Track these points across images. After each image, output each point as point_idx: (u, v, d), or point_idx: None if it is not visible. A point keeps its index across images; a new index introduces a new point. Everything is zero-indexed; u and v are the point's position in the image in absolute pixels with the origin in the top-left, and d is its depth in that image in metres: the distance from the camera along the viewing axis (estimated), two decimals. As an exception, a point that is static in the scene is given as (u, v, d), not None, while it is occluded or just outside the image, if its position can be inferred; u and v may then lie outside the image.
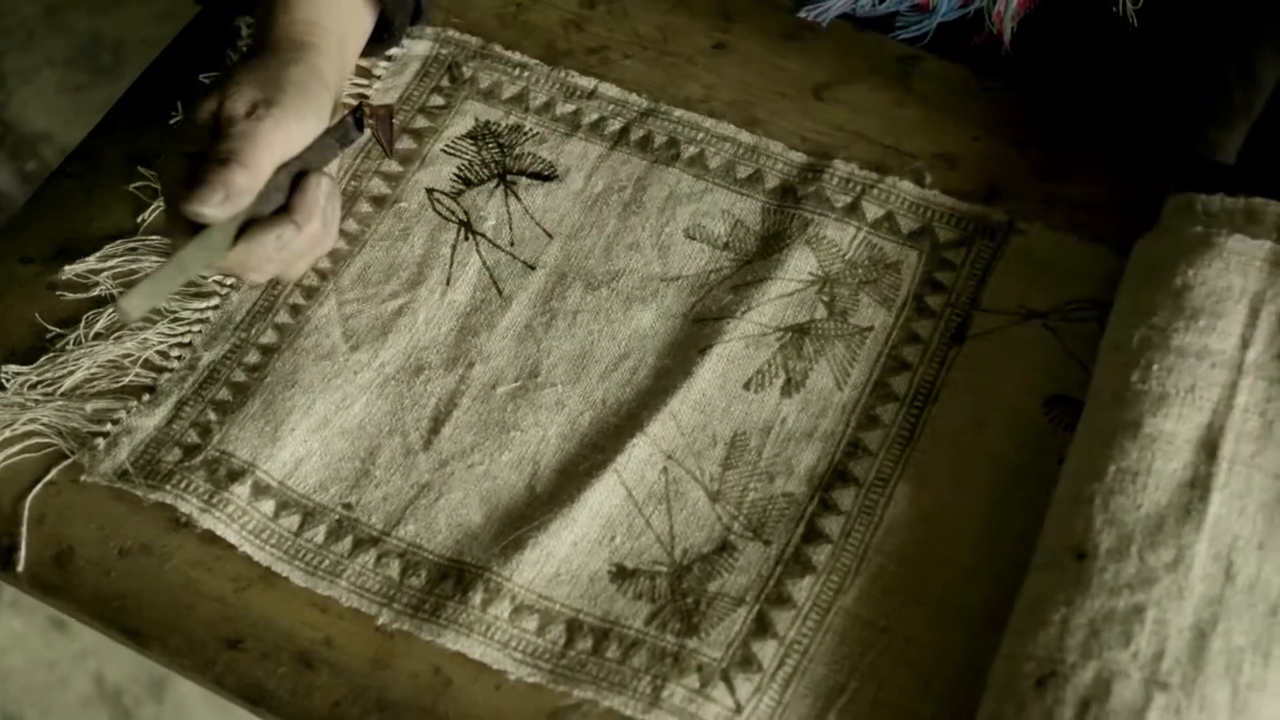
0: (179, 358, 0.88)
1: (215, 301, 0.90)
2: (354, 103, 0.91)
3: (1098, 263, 0.91)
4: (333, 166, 0.88)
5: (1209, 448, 0.77)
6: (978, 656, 0.77)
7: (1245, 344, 0.81)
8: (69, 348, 0.87)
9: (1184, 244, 0.85)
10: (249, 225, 0.81)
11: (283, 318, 0.89)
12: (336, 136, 0.86)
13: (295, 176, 0.84)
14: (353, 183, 0.94)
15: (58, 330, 0.89)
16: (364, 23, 0.92)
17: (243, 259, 0.82)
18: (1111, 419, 0.79)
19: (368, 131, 0.90)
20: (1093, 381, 0.84)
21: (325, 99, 0.86)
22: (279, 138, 0.82)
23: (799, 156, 0.95)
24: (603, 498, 0.82)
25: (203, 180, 0.79)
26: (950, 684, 0.77)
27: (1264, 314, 0.82)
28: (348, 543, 0.82)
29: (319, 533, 0.82)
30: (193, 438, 0.85)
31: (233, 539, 0.81)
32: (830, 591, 0.80)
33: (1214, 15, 0.91)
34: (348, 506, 0.83)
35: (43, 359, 0.87)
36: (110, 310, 0.88)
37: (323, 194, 0.84)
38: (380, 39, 0.96)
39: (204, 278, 0.90)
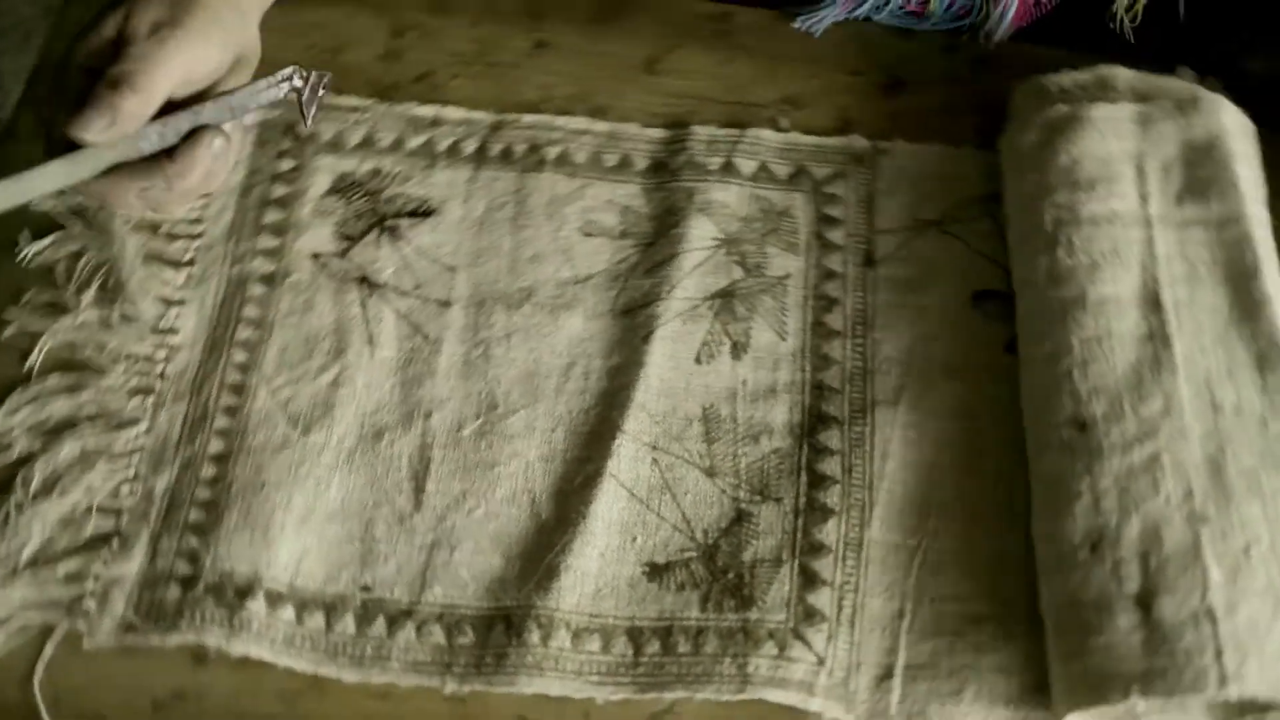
0: (131, 493, 0.83)
1: (144, 426, 0.85)
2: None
3: (966, 163, 0.97)
4: (231, 124, 0.84)
5: (1151, 301, 0.84)
6: (1007, 544, 0.83)
7: (1144, 199, 0.88)
8: (11, 515, 0.82)
9: (1053, 124, 0.91)
10: (121, 164, 0.79)
11: (222, 422, 0.86)
12: (249, 94, 0.83)
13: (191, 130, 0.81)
14: (235, 267, 0.91)
15: (-10, 500, 0.83)
16: None
17: (102, 194, 0.80)
18: (1055, 299, 0.85)
19: (282, 95, 0.86)
20: (1016, 271, 0.89)
21: (239, 30, 0.83)
22: (179, 61, 0.79)
23: (657, 132, 0.98)
24: (608, 505, 0.83)
25: (89, 102, 0.76)
26: (993, 577, 0.82)
27: (1149, 169, 0.89)
28: (381, 624, 0.80)
29: (348, 623, 0.80)
30: (184, 569, 0.81)
31: (268, 656, 0.78)
32: (855, 527, 0.83)
33: (1210, 31, 0.97)
34: (366, 588, 0.81)
35: (-12, 535, 0.82)
36: (41, 460, 0.83)
37: (212, 154, 0.81)
38: None
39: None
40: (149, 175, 0.80)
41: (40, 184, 0.78)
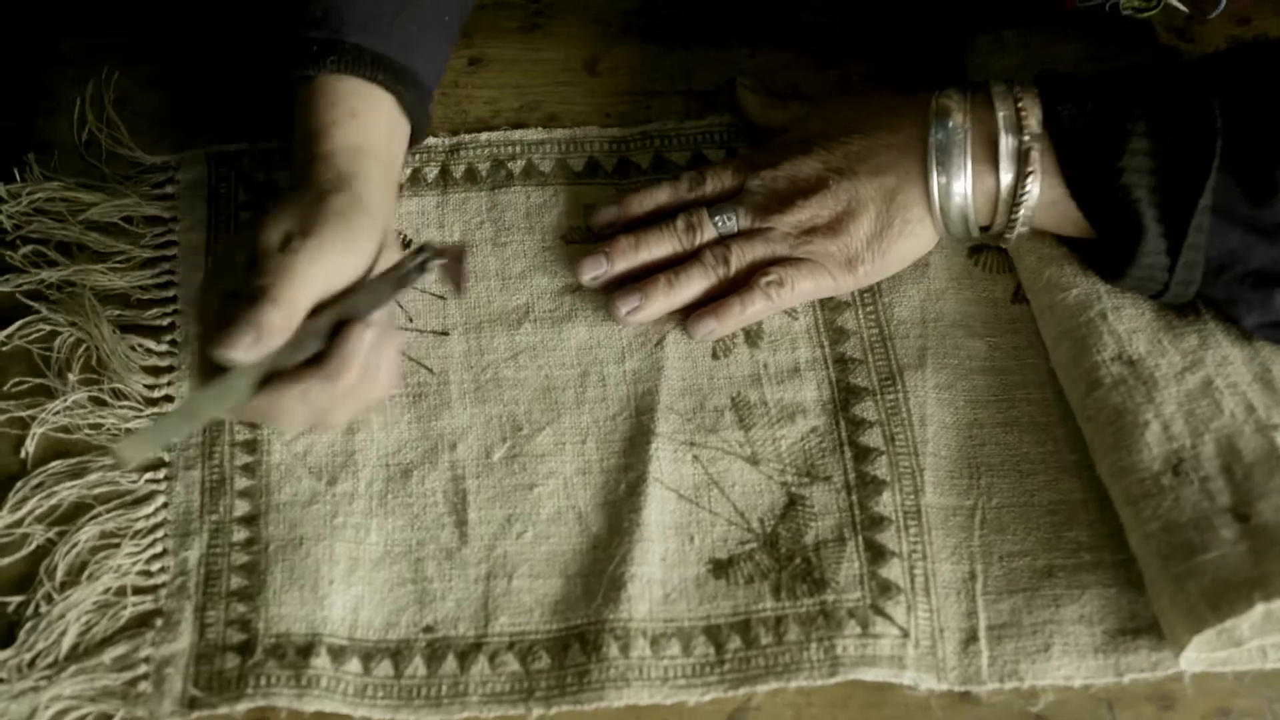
0: (163, 569, 0.86)
1: (161, 500, 0.88)
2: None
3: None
4: (383, 312, 0.85)
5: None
6: (1060, 492, 0.89)
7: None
8: (41, 609, 0.84)
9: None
10: (274, 374, 0.80)
11: (242, 483, 0.89)
12: (392, 280, 0.84)
13: (338, 325, 0.82)
14: (217, 326, 0.94)
15: (17, 599, 0.85)
16: (403, 136, 0.93)
17: (264, 410, 0.81)
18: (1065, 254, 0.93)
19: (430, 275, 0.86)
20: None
21: (370, 232, 0.84)
22: (316, 271, 0.80)
23: (617, 131, 1.04)
24: (659, 510, 0.88)
25: (231, 320, 0.77)
26: (1055, 528, 0.88)
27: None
28: (451, 662, 0.84)
29: (417, 666, 0.83)
30: (237, 636, 0.83)
31: (345, 709, 0.81)
32: (910, 495, 0.89)
33: None
34: (429, 629, 0.85)
35: (21, 633, 0.83)
36: (62, 549, 0.85)
37: (364, 346, 0.82)
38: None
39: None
40: (306, 378, 0.81)
41: (201, 413, 0.80)
